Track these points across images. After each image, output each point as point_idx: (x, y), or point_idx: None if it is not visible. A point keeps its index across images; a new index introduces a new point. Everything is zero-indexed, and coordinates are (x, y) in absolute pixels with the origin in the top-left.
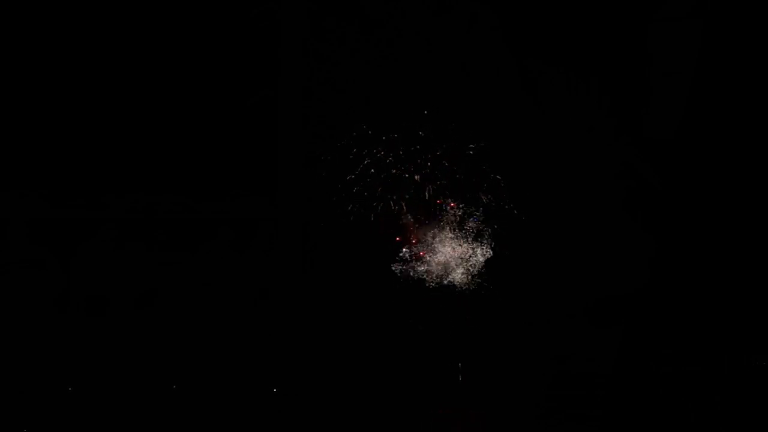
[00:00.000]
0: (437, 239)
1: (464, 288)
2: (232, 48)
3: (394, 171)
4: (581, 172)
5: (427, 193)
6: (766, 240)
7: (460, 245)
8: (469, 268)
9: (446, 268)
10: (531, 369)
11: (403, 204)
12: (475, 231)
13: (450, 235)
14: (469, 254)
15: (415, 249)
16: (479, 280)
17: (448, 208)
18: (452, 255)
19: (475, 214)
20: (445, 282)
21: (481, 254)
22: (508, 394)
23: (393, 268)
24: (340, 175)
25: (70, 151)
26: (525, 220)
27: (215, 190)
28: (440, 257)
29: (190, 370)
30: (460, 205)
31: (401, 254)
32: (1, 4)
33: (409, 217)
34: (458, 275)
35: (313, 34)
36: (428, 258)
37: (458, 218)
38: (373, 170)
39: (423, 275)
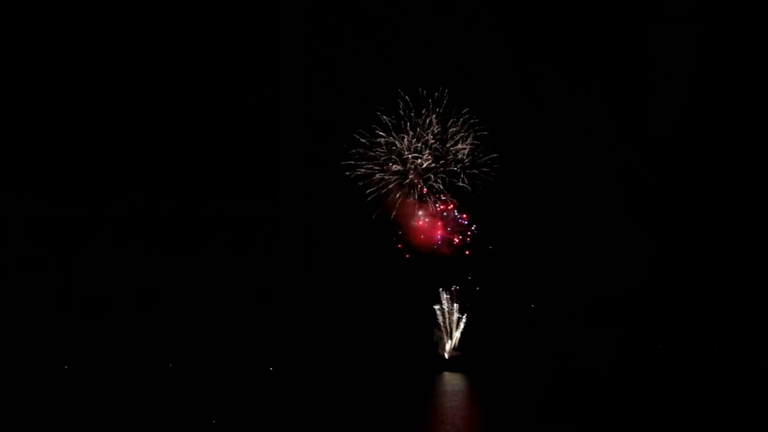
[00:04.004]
0: (437, 240)
1: (464, 288)
2: (232, 48)
3: (394, 170)
4: (581, 172)
5: (426, 193)
6: (765, 240)
7: (460, 246)
8: (469, 269)
9: (446, 270)
10: (531, 369)
11: (403, 204)
12: (475, 231)
13: (450, 234)
14: (469, 255)
15: (414, 250)
16: (479, 281)
17: (448, 210)
18: (452, 256)
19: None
20: (446, 283)
21: (481, 255)
22: (508, 394)
23: (392, 268)
24: (340, 175)
25: (70, 151)
26: (525, 221)
27: (215, 190)
28: (439, 258)
29: (190, 370)
30: (461, 206)
31: (401, 254)
32: (1, 5)
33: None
34: (459, 277)
35: (313, 34)
36: (428, 259)
37: (459, 219)
38: (372, 170)
39: (422, 276)
